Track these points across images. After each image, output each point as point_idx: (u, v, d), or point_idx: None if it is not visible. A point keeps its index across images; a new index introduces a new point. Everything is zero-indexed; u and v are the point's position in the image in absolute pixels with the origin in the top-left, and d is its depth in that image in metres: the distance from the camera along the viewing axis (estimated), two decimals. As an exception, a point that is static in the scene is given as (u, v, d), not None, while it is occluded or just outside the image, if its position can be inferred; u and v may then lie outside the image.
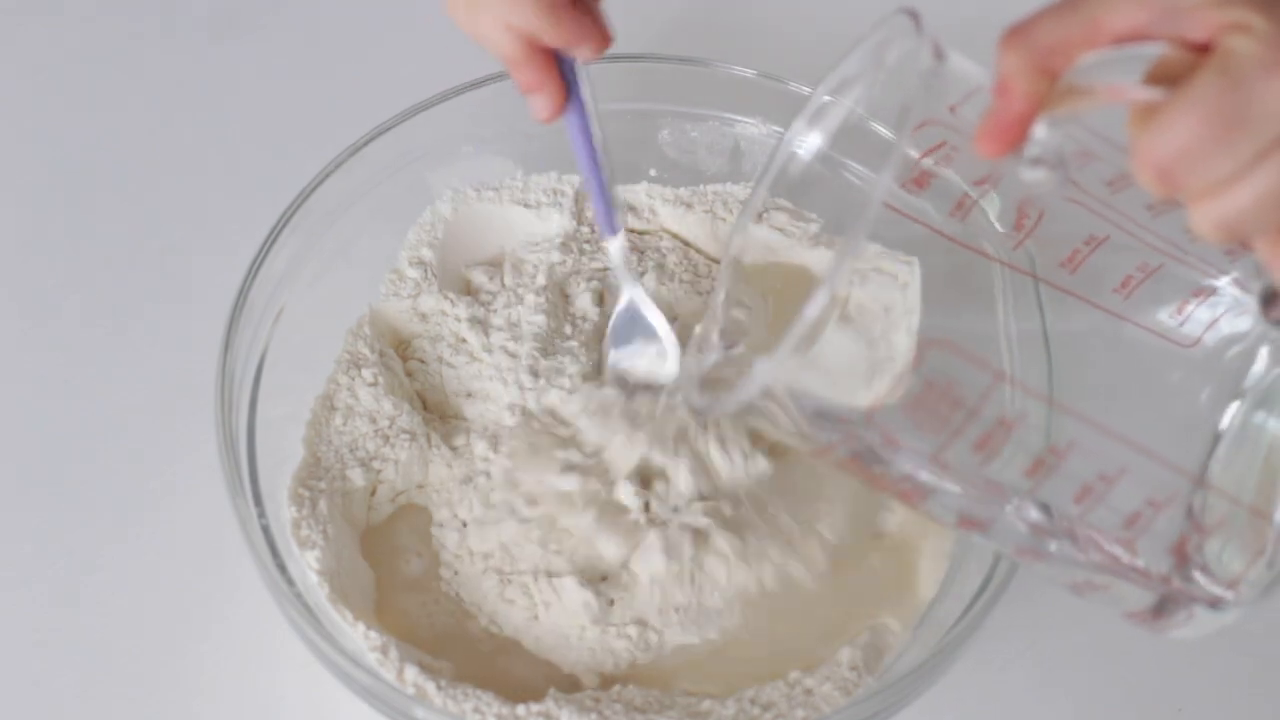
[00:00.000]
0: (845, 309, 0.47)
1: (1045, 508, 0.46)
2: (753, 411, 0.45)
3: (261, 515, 0.57)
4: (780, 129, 0.71)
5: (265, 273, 0.62)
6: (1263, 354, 0.47)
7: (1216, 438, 0.47)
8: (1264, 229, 0.39)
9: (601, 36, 0.53)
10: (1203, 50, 0.38)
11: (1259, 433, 0.47)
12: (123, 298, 0.74)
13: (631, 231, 0.71)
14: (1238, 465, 0.47)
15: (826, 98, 0.49)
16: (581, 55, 0.53)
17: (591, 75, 0.56)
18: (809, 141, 0.51)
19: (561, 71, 0.55)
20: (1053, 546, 0.46)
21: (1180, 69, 0.38)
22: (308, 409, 0.64)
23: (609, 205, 0.60)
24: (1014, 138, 0.41)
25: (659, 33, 0.85)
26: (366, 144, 0.67)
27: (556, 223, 0.71)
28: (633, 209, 0.72)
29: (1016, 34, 0.40)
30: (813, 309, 0.41)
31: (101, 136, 0.81)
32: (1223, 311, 0.46)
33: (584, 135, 0.57)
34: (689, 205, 0.72)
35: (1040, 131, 0.41)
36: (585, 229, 0.71)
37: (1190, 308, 0.47)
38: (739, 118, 0.71)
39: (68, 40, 0.86)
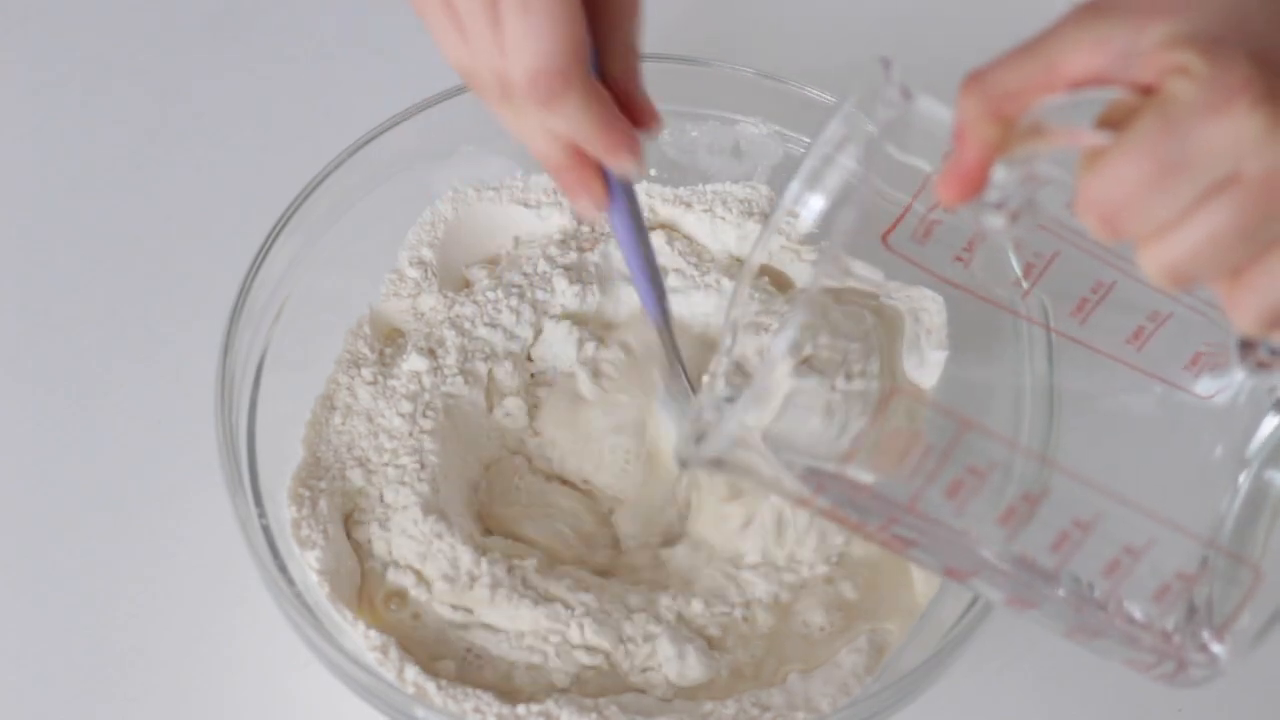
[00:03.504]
0: (814, 357, 0.46)
1: (1075, 578, 0.45)
2: (729, 464, 0.44)
3: (261, 515, 0.57)
4: (780, 129, 0.70)
5: (265, 273, 0.62)
6: (1268, 407, 0.46)
7: (1234, 493, 0.46)
8: (1212, 273, 0.38)
9: (637, 151, 0.50)
10: (1151, 94, 0.37)
11: (1268, 488, 0.46)
12: (123, 298, 0.74)
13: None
14: (1250, 521, 0.46)
15: (818, 162, 0.46)
16: (619, 167, 0.50)
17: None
18: (810, 205, 0.47)
19: (604, 169, 0.52)
20: (1088, 615, 0.45)
21: (1129, 114, 0.37)
22: (308, 409, 0.64)
23: (656, 292, 0.57)
24: (973, 184, 0.40)
25: (659, 33, 0.85)
26: (366, 144, 0.66)
27: (556, 222, 0.71)
28: None
29: (974, 80, 0.39)
30: (778, 352, 0.40)
31: (102, 136, 0.81)
32: (1230, 362, 0.45)
33: (628, 229, 0.55)
34: (689, 205, 0.71)
35: (998, 176, 0.40)
36: (585, 229, 0.71)
37: (1204, 359, 0.46)
38: (739, 118, 0.71)
39: (68, 40, 0.86)
